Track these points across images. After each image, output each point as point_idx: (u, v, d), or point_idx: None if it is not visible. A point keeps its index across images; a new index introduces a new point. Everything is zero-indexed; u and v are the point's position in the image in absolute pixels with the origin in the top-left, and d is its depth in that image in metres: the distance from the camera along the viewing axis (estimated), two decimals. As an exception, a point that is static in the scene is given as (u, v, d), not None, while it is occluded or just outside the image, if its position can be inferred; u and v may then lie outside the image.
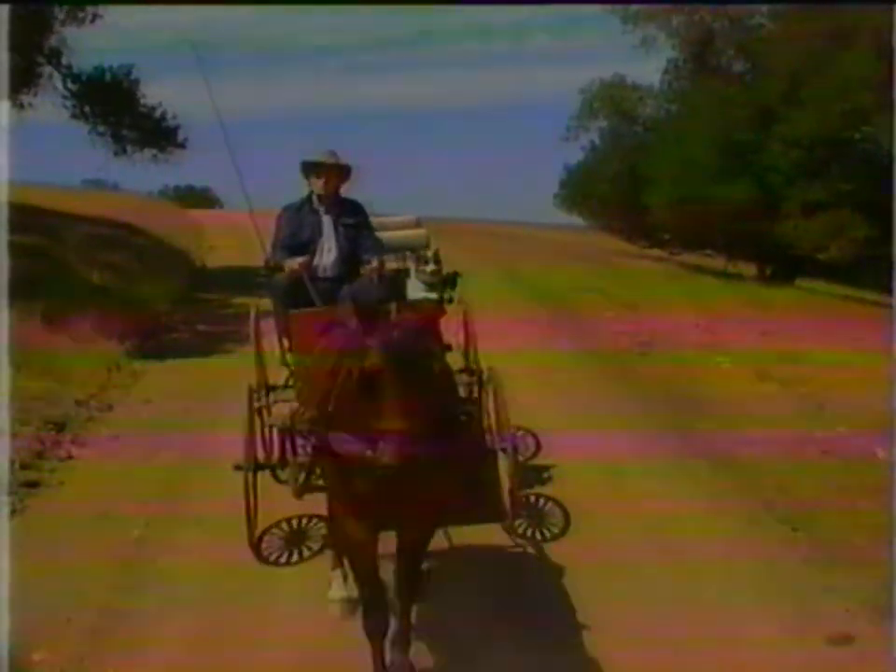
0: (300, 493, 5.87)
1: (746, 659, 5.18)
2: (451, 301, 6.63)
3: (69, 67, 18.54)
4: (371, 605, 4.73)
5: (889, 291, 26.67)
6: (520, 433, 7.53)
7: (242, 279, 16.68)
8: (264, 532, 6.42)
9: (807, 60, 26.95)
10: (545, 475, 7.81)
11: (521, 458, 7.12)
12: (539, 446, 8.11)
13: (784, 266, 28.44)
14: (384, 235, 6.94)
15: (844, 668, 5.19)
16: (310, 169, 6.66)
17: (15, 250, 14.06)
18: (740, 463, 8.78)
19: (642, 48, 30.19)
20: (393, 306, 4.24)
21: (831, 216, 26.29)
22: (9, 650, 4.78)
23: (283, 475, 6.58)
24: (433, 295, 6.42)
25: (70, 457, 8.50)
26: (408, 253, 6.90)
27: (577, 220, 35.37)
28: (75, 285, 13.69)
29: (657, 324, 15.92)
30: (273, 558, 6.38)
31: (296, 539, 6.54)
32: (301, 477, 5.74)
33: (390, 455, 3.90)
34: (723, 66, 30.90)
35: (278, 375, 6.73)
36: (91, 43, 17.75)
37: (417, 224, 7.61)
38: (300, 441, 5.72)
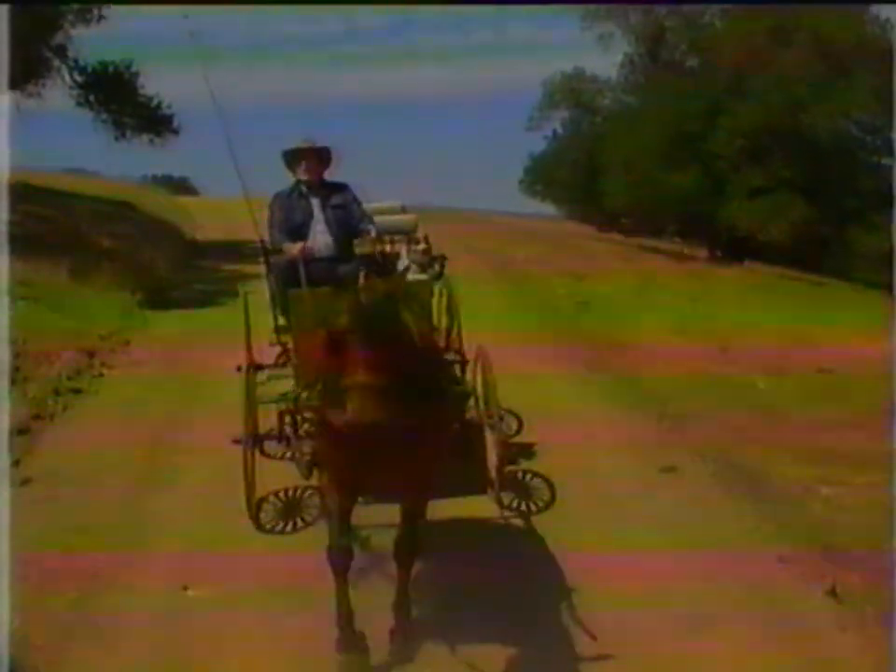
0: (307, 473, 5.95)
1: (600, 485, 7.39)
2: (440, 276, 6.86)
3: (75, 61, 20.67)
4: (337, 538, 4.83)
5: (826, 271, 28.70)
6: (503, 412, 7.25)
7: (229, 251, 18.93)
8: (261, 501, 6.36)
9: (750, 56, 28.93)
10: (530, 451, 7.94)
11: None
12: (521, 425, 8.08)
13: (732, 248, 30.24)
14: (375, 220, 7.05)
15: (667, 484, 7.52)
16: (291, 157, 6.84)
17: (36, 219, 16.40)
18: (638, 382, 10.93)
19: (601, 43, 32.01)
20: (362, 275, 4.37)
21: (771, 198, 28.29)
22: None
23: (270, 450, 7.10)
24: (423, 276, 6.68)
25: (102, 375, 10.63)
26: (397, 237, 7.07)
27: (547, 209, 37.17)
28: (89, 248, 15.90)
29: (597, 289, 18.03)
30: (269, 527, 6.29)
31: (292, 509, 6.38)
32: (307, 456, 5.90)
33: (355, 411, 4.01)
34: (676, 61, 32.78)
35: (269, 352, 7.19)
36: (95, 37, 19.60)
37: (403, 210, 7.83)
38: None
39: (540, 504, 6.87)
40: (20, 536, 6.28)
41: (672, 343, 13.56)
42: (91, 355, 11.09)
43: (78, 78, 20.73)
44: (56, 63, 20.25)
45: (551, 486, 6.99)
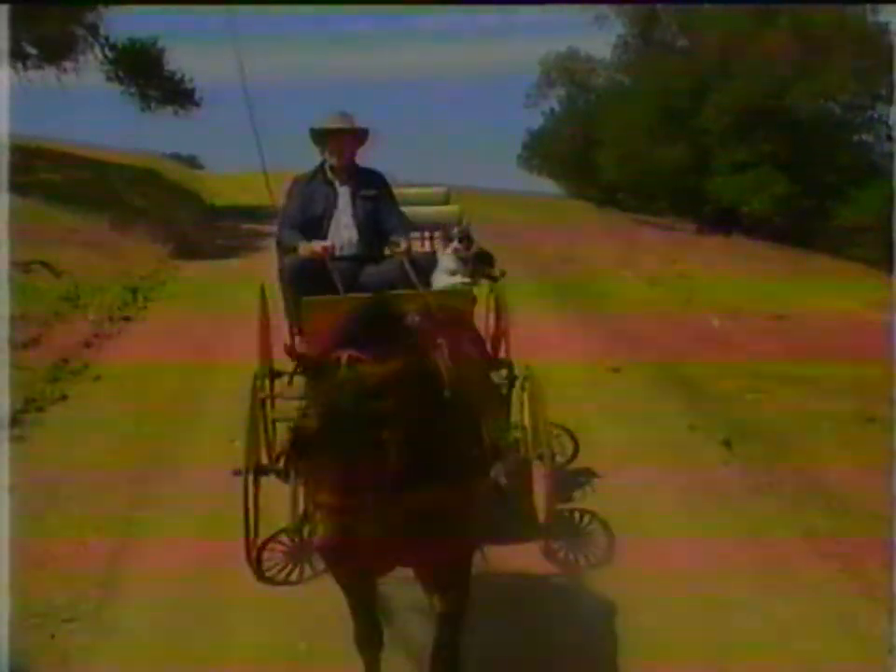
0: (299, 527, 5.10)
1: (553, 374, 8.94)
2: (502, 275, 5.87)
3: (106, 38, 22.50)
4: (360, 623, 4.03)
5: (814, 247, 30.13)
6: (554, 432, 6.52)
7: (246, 214, 20.68)
8: (265, 544, 5.56)
9: (736, 37, 30.46)
10: (583, 481, 6.87)
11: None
12: (576, 448, 7.20)
13: (719, 222, 31.60)
14: (409, 210, 6.09)
15: (614, 380, 9.29)
16: (320, 136, 5.89)
17: (75, 182, 18.22)
18: (604, 318, 12.61)
19: (595, 24, 33.45)
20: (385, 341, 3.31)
21: (754, 173, 29.87)
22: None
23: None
24: (461, 280, 5.62)
25: (146, 307, 12.43)
26: (435, 233, 6.15)
27: (546, 188, 38.54)
28: (124, 205, 17.77)
29: (583, 251, 19.64)
30: (275, 576, 5.42)
31: (301, 552, 5.43)
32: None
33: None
34: (667, 42, 34.22)
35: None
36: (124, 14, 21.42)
37: (446, 198, 6.71)
38: None
39: (598, 554, 5.74)
40: (98, 415, 8.12)
41: (643, 293, 15.25)
42: (135, 291, 12.88)
43: (109, 54, 22.60)
44: (89, 40, 22.09)
45: (608, 531, 5.95)
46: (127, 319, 11.65)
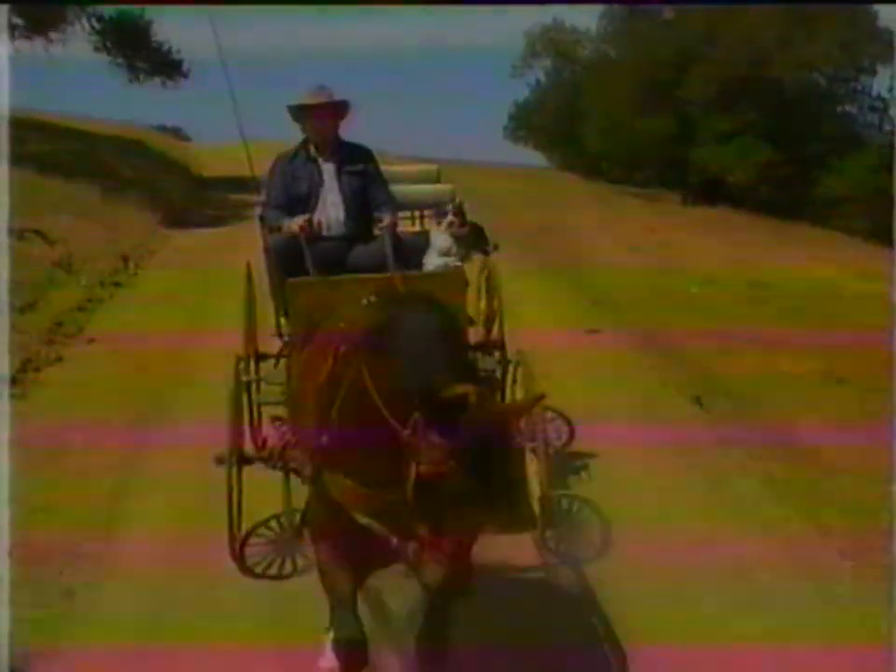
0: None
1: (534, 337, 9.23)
2: (495, 248, 5.67)
3: (93, 9, 22.64)
4: (345, 627, 3.68)
5: (802, 218, 30.38)
6: (549, 414, 6.14)
7: (233, 184, 20.89)
8: (249, 533, 5.25)
9: (721, 8, 30.62)
10: (579, 466, 6.69)
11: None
12: (572, 433, 6.92)
13: (705, 193, 31.95)
14: (398, 189, 5.80)
15: (594, 343, 9.60)
16: (299, 113, 5.57)
17: (66, 152, 18.46)
18: (590, 284, 12.97)
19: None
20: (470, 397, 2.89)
21: (738, 142, 30.24)
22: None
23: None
24: (452, 260, 5.35)
25: (136, 274, 12.76)
26: (427, 212, 5.92)
27: (534, 160, 38.89)
28: (115, 176, 18.04)
29: (564, 219, 20.02)
30: (259, 569, 5.14)
31: (289, 543, 5.13)
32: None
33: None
34: (652, 13, 34.43)
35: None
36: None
37: (437, 176, 6.45)
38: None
39: (593, 544, 5.57)
40: (92, 375, 8.44)
41: (623, 258, 15.62)
42: (126, 259, 13.21)
43: (96, 25, 22.81)
44: (76, 10, 22.23)
45: (603, 520, 5.76)
46: (118, 285, 11.97)
